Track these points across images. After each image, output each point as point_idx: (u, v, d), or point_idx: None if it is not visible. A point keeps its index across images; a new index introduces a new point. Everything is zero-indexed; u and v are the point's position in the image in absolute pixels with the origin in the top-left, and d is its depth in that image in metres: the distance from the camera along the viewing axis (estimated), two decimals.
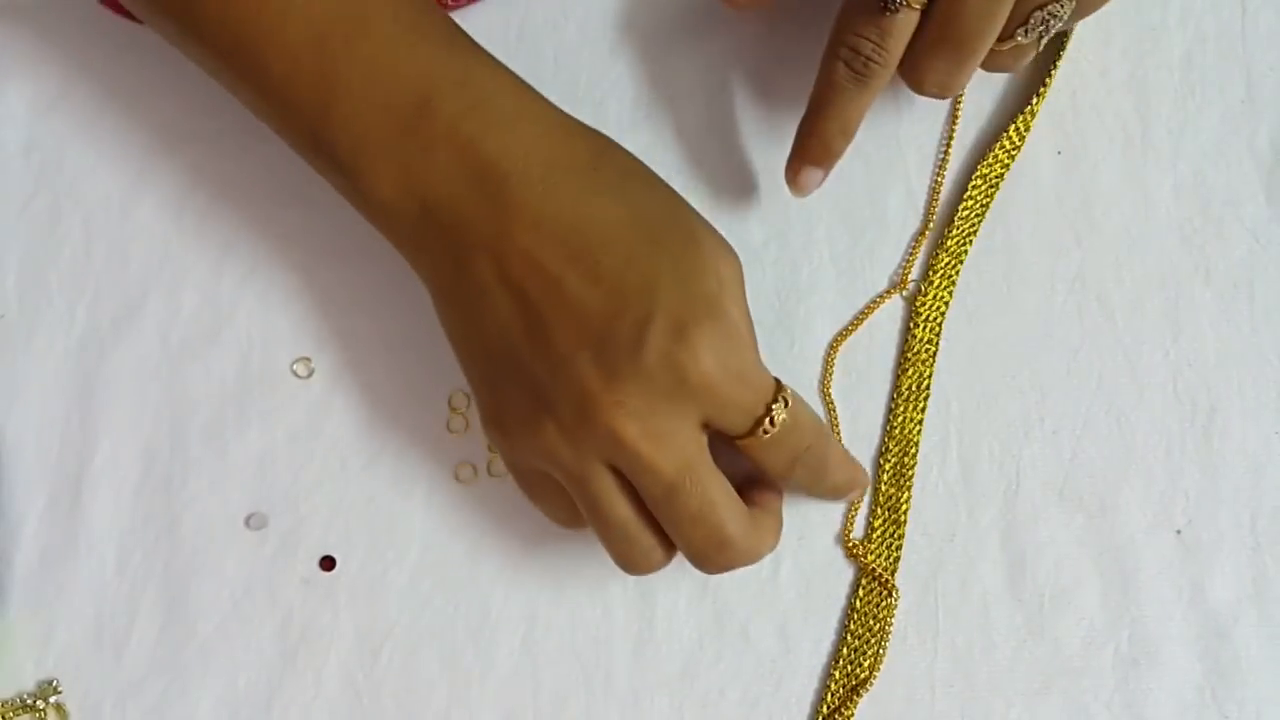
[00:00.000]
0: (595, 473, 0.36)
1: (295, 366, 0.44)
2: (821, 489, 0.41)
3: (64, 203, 0.45)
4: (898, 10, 0.37)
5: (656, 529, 0.38)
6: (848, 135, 0.41)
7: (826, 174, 0.42)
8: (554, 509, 0.40)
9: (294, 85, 0.37)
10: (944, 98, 0.40)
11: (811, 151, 0.41)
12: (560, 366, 0.36)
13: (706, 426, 0.37)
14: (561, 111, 0.39)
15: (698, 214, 0.39)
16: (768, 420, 0.37)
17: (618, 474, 0.37)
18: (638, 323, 0.35)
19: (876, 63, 0.38)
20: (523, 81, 0.39)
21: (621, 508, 0.37)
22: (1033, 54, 0.40)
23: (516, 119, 0.38)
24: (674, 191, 0.39)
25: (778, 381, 0.38)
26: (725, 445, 0.38)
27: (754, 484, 0.41)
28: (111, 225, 0.45)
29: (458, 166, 0.37)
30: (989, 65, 0.40)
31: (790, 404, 0.37)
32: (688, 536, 0.37)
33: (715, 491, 0.37)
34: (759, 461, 0.38)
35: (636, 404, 0.35)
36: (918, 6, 0.37)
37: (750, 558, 0.38)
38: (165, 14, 0.39)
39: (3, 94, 0.45)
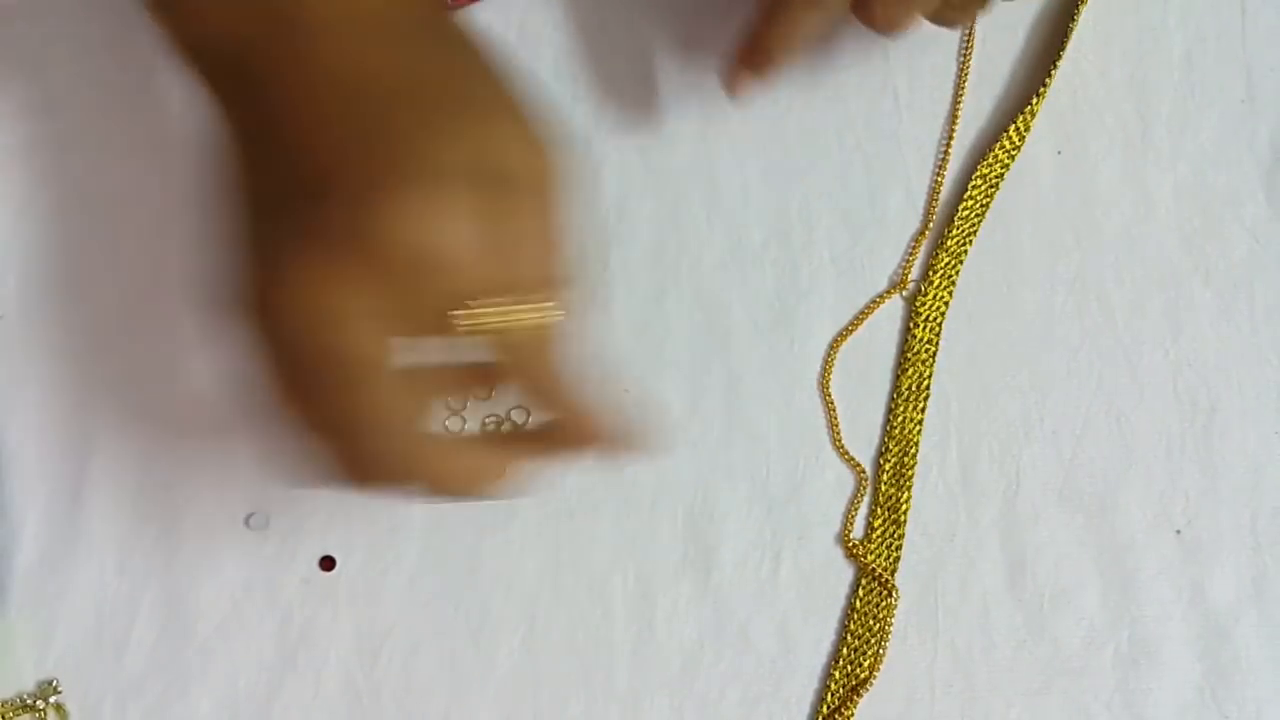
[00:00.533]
0: None
1: None
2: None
3: (64, 203, 0.45)
4: None
5: None
6: (791, 49, 0.40)
7: (764, 84, 0.41)
8: None
9: None
10: (889, 35, 0.39)
11: (753, 58, 0.40)
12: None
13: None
14: None
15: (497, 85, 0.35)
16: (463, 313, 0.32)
17: None
18: (324, 179, 0.31)
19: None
20: None
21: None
22: (975, 13, 0.40)
23: None
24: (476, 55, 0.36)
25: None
26: None
27: None
28: (111, 225, 0.45)
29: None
30: (935, 18, 0.40)
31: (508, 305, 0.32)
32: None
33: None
34: None
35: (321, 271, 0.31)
36: None
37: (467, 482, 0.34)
38: None
39: (2, 93, 0.45)
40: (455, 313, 0.32)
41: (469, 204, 0.31)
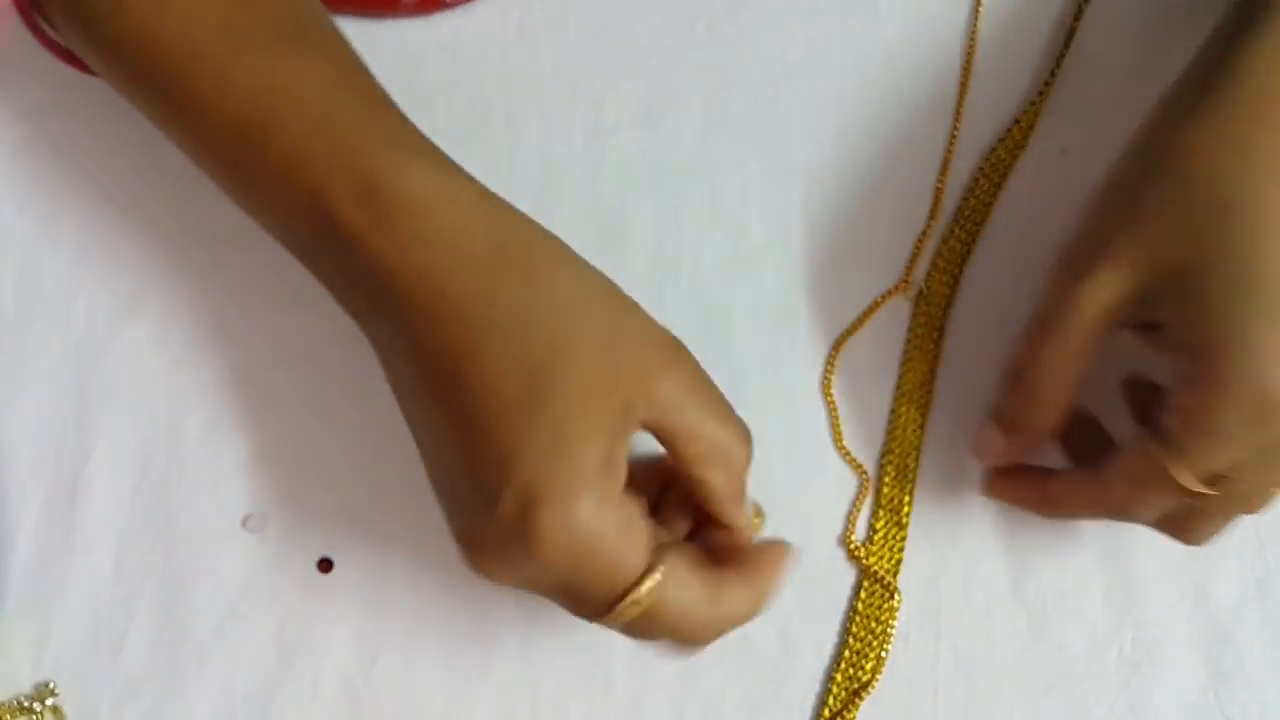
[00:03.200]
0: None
1: None
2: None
3: (61, 203, 0.45)
4: (1216, 497, 0.36)
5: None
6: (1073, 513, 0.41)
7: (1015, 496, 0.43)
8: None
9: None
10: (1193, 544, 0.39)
11: (1029, 506, 0.42)
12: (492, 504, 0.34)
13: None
14: (482, 193, 0.37)
15: (622, 310, 0.36)
16: (629, 598, 0.34)
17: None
18: (495, 483, 0.33)
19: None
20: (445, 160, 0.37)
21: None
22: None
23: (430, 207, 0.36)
24: (595, 283, 0.36)
25: (653, 564, 0.35)
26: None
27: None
28: (109, 225, 0.45)
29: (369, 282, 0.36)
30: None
31: (651, 589, 0.34)
32: (659, 643, 0.36)
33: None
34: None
35: (497, 555, 0.34)
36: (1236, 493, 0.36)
37: (727, 626, 0.37)
38: (128, 78, 0.38)
39: (1, 94, 0.45)
40: None
41: (562, 510, 0.34)
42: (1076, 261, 0.37)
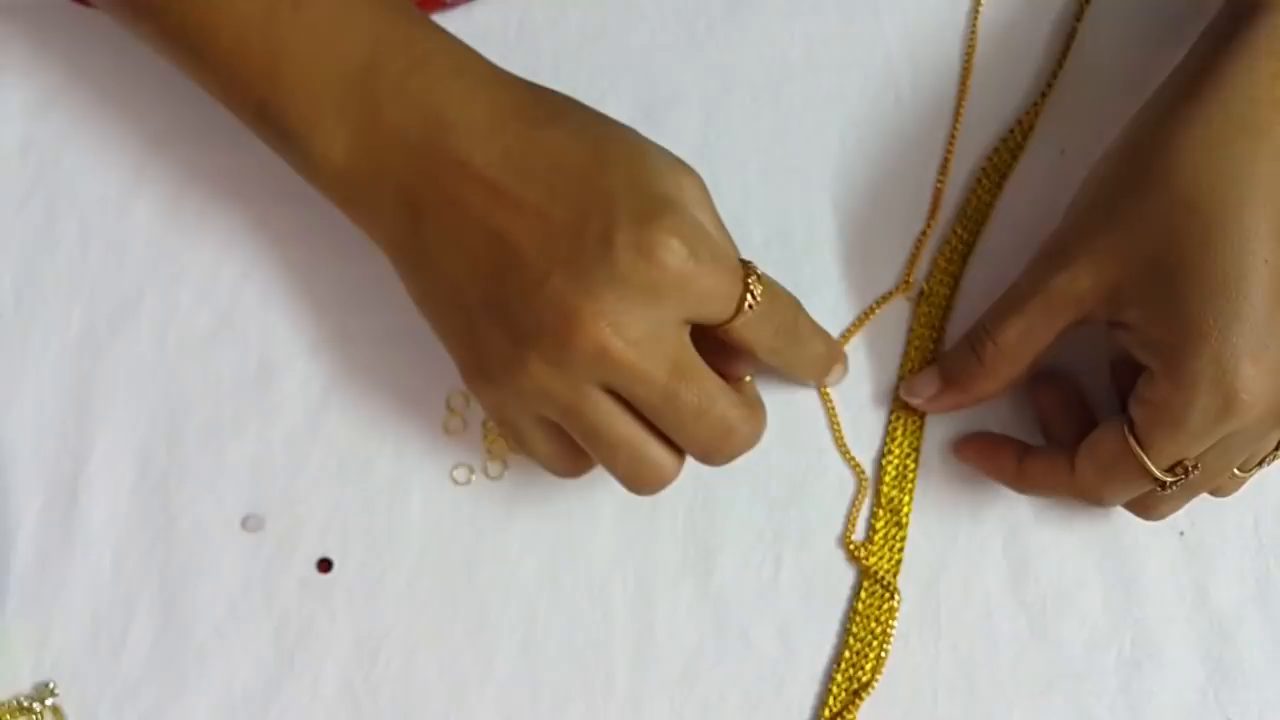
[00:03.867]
0: (590, 396, 0.36)
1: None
2: (804, 360, 0.41)
3: (60, 202, 0.45)
4: (1176, 486, 0.38)
5: (660, 437, 0.37)
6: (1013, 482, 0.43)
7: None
8: (552, 455, 0.39)
9: (242, 55, 0.38)
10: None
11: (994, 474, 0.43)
12: (534, 292, 0.35)
13: (687, 323, 0.37)
14: (498, 66, 0.39)
15: (647, 138, 0.39)
16: (749, 296, 0.36)
17: (611, 393, 0.36)
18: (603, 230, 0.35)
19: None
20: (461, 42, 0.39)
21: (624, 425, 0.37)
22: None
23: (457, 73, 0.38)
24: (617, 121, 0.39)
25: (744, 261, 0.37)
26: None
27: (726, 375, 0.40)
28: (108, 225, 0.45)
29: (406, 120, 0.37)
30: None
31: (762, 277, 0.37)
32: (692, 434, 0.37)
33: (710, 383, 0.37)
34: (745, 342, 0.38)
35: (617, 312, 0.35)
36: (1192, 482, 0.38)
37: (753, 440, 0.38)
38: None
39: (1, 93, 0.45)
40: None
41: (678, 224, 0.35)
42: (1057, 253, 0.39)
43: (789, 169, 0.45)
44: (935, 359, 0.45)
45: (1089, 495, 0.40)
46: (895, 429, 0.44)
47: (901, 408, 0.44)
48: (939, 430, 0.44)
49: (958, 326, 0.45)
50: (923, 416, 0.44)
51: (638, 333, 0.35)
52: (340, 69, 0.37)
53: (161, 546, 0.43)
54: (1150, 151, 0.37)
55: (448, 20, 0.46)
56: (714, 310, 0.36)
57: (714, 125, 0.46)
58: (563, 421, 0.37)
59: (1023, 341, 0.40)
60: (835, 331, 0.45)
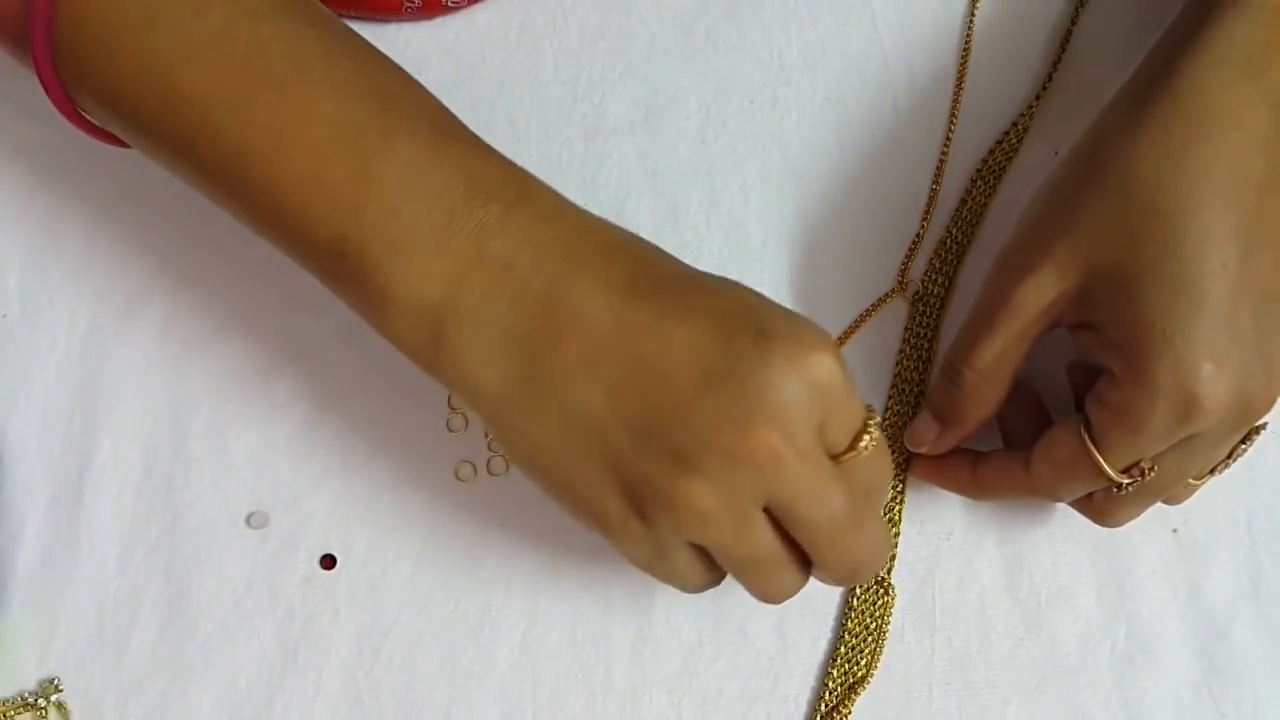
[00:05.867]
0: (754, 519, 0.34)
1: None
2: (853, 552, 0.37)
3: (66, 202, 0.45)
4: (1131, 488, 0.38)
5: (798, 553, 0.36)
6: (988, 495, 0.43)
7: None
8: (692, 576, 0.36)
9: (320, 183, 0.34)
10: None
11: (955, 488, 0.43)
12: (693, 410, 0.33)
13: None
14: (591, 213, 0.37)
15: None
16: (866, 435, 0.35)
17: (766, 511, 0.35)
18: (756, 338, 0.33)
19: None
20: (549, 185, 0.37)
21: (776, 544, 0.35)
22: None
23: (559, 209, 0.36)
24: None
25: (868, 405, 0.36)
26: None
27: None
28: (114, 224, 0.45)
29: (517, 250, 0.34)
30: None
31: (879, 427, 0.36)
32: (848, 549, 0.35)
33: (866, 500, 0.36)
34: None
35: (784, 418, 0.33)
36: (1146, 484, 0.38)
37: (884, 561, 0.38)
38: (157, 122, 0.36)
39: (4, 92, 0.45)
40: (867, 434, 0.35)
41: (823, 341, 0.34)
42: (1017, 262, 0.39)
43: (787, 171, 0.46)
44: (930, 356, 0.45)
45: (1045, 494, 0.40)
46: (890, 428, 0.44)
47: (897, 408, 0.45)
48: None
49: (953, 326, 0.45)
50: (912, 415, 0.45)
51: (803, 440, 0.33)
52: (438, 200, 0.34)
53: (166, 543, 0.43)
54: (1108, 157, 0.37)
55: (449, 24, 0.46)
56: (839, 434, 0.35)
57: (712, 127, 0.46)
58: (719, 546, 0.35)
59: (999, 362, 0.39)
60: (833, 331, 0.45)
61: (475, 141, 0.37)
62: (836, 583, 0.38)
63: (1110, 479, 0.38)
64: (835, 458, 0.35)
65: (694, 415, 0.33)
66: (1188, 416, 0.36)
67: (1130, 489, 0.38)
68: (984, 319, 0.39)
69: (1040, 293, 0.38)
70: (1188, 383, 0.35)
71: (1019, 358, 0.40)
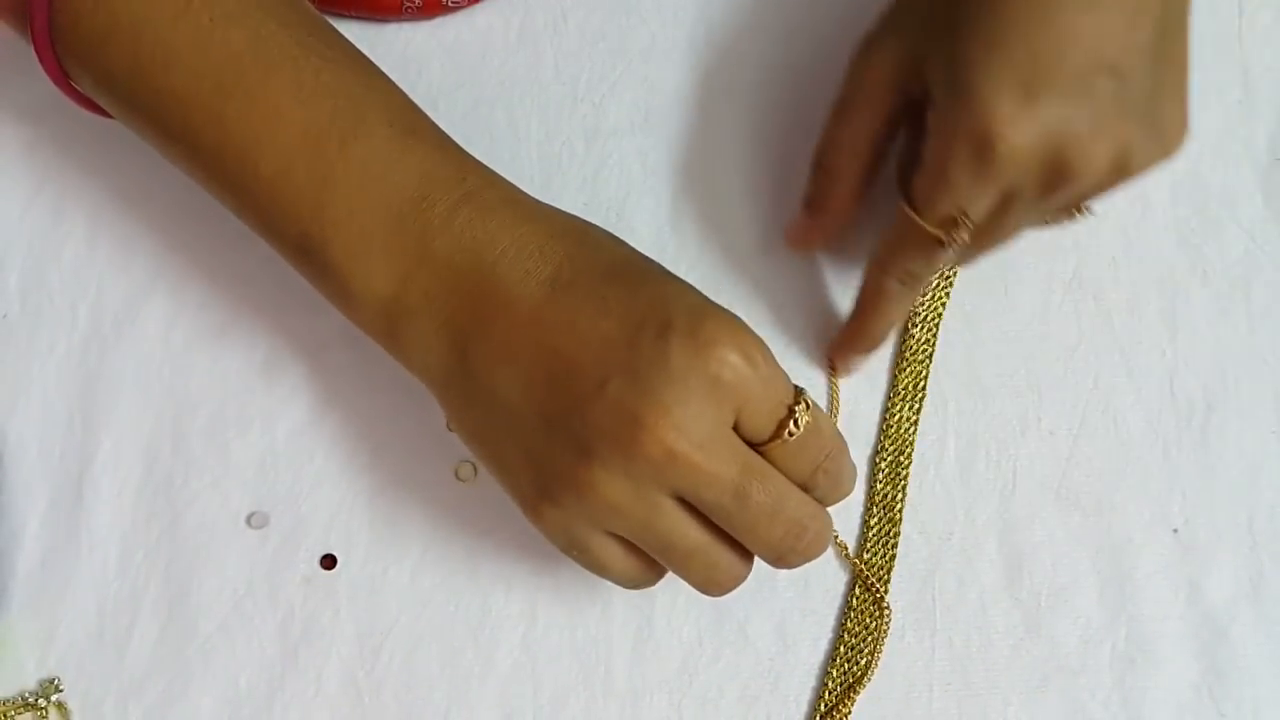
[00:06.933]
0: (661, 505, 0.35)
1: None
2: (833, 501, 0.39)
3: (66, 201, 0.45)
4: (954, 243, 0.38)
5: (730, 541, 0.37)
6: (893, 327, 0.43)
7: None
8: (626, 570, 0.38)
9: (285, 185, 0.37)
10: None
11: (861, 345, 0.43)
12: (592, 400, 0.34)
13: (736, 429, 0.36)
14: (540, 201, 0.39)
15: None
16: (791, 422, 0.35)
17: (678, 500, 0.36)
18: (658, 331, 0.34)
19: (927, 275, 0.41)
20: (503, 178, 0.39)
21: (695, 532, 0.36)
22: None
23: (505, 203, 0.38)
24: None
25: (797, 386, 0.37)
26: None
27: None
28: (114, 224, 0.45)
29: (455, 250, 0.37)
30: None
31: (811, 407, 0.36)
32: (765, 535, 0.36)
33: (780, 482, 0.36)
34: (781, 469, 0.36)
35: (678, 413, 0.34)
36: (968, 239, 0.38)
37: (826, 540, 0.37)
38: (145, 117, 0.39)
39: (5, 91, 0.45)
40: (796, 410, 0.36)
41: (732, 329, 0.35)
42: (865, 40, 0.41)
43: (788, 170, 0.46)
44: (930, 357, 0.45)
45: (892, 271, 0.41)
46: (889, 426, 0.44)
47: (896, 405, 0.45)
48: (935, 428, 0.45)
49: (952, 325, 0.45)
50: (917, 414, 0.45)
51: (701, 434, 0.34)
52: (389, 203, 0.37)
53: (166, 543, 0.43)
54: None
55: (450, 24, 0.46)
56: (757, 424, 0.35)
57: (712, 128, 0.46)
58: (634, 535, 0.36)
59: (858, 134, 0.41)
60: (831, 331, 0.45)
61: (435, 139, 0.39)
62: (777, 566, 0.38)
63: (927, 232, 0.38)
64: (763, 444, 0.36)
65: (593, 408, 0.34)
66: (982, 160, 0.36)
67: (955, 244, 0.38)
68: (840, 102, 0.41)
69: (884, 58, 0.40)
70: (982, 126, 0.36)
71: (875, 131, 0.41)
